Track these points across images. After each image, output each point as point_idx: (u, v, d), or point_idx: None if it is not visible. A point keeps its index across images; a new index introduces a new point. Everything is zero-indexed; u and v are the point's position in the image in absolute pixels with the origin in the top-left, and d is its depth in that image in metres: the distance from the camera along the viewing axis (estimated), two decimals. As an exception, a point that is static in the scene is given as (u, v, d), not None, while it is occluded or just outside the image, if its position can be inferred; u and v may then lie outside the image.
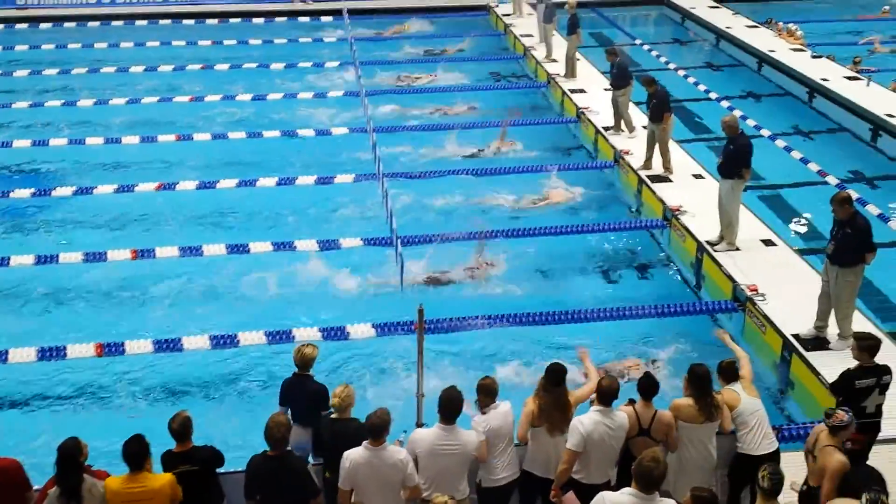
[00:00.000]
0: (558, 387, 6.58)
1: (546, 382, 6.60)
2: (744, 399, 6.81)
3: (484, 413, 6.48)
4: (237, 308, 10.77)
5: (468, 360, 9.65)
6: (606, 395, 6.37)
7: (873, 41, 20.97)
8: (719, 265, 10.95)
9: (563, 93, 17.29)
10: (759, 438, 6.75)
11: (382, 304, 10.68)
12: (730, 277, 10.67)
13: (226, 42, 21.24)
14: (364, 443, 5.96)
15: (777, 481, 5.61)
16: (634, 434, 6.51)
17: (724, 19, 22.55)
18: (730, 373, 6.99)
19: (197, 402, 9.05)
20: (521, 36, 20.96)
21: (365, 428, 5.99)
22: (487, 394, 6.50)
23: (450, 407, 6.24)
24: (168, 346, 9.77)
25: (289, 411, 6.79)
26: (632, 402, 6.71)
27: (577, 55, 18.14)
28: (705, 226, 11.66)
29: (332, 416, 6.44)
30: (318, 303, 10.86)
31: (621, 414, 6.45)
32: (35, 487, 5.99)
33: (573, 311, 10.28)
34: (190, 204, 13.32)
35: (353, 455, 5.96)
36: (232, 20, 23.12)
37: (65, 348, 9.66)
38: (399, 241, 9.51)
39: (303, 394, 6.85)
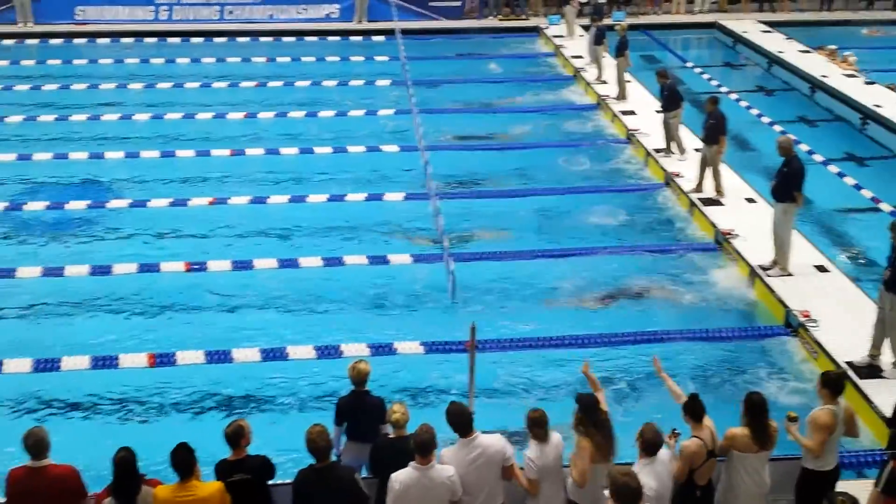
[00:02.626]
0: (598, 415, 6.50)
1: (585, 417, 6.45)
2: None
3: (539, 446, 6.37)
4: (287, 322, 10.86)
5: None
6: (653, 445, 6.19)
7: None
8: (771, 290, 10.81)
9: (614, 114, 17.27)
10: (831, 455, 6.65)
11: (431, 321, 10.71)
12: (782, 303, 10.52)
13: (279, 59, 21.57)
14: (411, 463, 5.90)
15: None
16: (702, 461, 6.36)
17: (776, 44, 22.34)
18: (837, 386, 6.76)
19: (244, 414, 9.11)
20: (572, 57, 20.98)
21: (412, 445, 5.95)
22: (542, 425, 6.39)
23: (462, 419, 6.18)
24: (218, 357, 9.90)
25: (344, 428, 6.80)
26: (675, 432, 6.62)
27: (628, 77, 18.12)
28: (757, 250, 11.53)
29: (390, 435, 6.41)
30: (367, 319, 10.93)
31: (664, 456, 6.28)
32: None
33: (618, 335, 10.25)
34: (242, 218, 13.49)
35: (402, 477, 5.88)
36: (285, 38, 23.44)
37: (117, 357, 9.82)
38: (451, 258, 9.55)
39: (362, 410, 6.82)
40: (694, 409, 6.52)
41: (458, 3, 25.20)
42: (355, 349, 9.92)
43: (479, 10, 25.35)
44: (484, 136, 17.00)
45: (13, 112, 17.53)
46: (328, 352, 9.98)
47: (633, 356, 10.03)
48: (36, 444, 5.80)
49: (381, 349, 9.98)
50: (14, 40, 22.75)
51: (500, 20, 25.18)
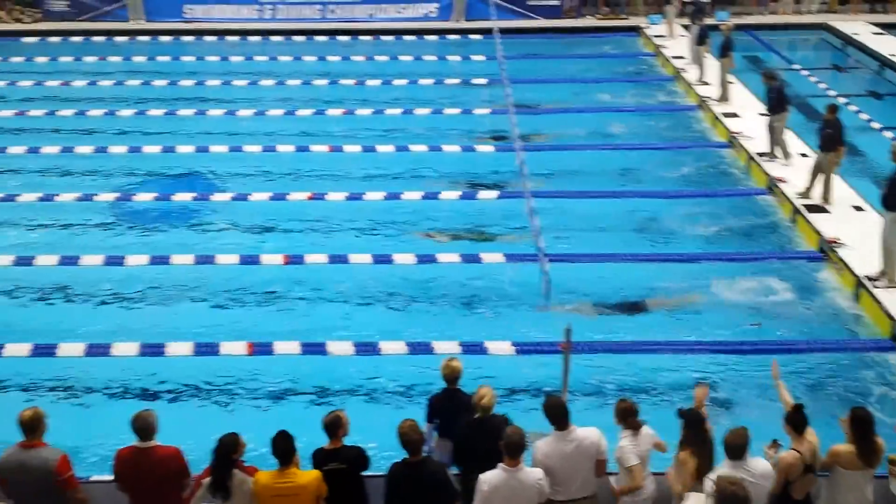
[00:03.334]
0: (700, 428, 6.39)
1: (690, 433, 6.35)
2: None
3: (634, 436, 6.35)
4: (381, 316, 11.02)
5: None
6: (738, 449, 5.97)
7: None
8: (878, 302, 10.40)
9: (716, 116, 16.88)
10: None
11: (523, 321, 10.70)
12: (889, 315, 10.11)
13: (378, 58, 21.86)
14: (500, 464, 5.90)
15: None
16: (798, 475, 6.18)
17: (888, 46, 21.43)
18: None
19: (337, 405, 9.26)
20: (673, 58, 20.60)
21: (501, 447, 5.93)
22: (634, 414, 6.37)
23: (559, 411, 6.17)
24: (314, 349, 10.11)
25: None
26: (776, 443, 6.44)
27: (731, 78, 17.68)
28: (864, 260, 11.10)
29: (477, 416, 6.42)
30: (458, 316, 10.99)
31: (762, 463, 6.09)
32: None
33: (715, 343, 10.08)
34: (338, 213, 13.74)
35: (491, 478, 5.88)
36: (384, 37, 23.73)
37: (218, 345, 10.14)
38: (546, 258, 9.53)
39: (455, 407, 6.84)
40: (795, 421, 6.33)
41: (557, 3, 25.03)
42: (446, 347, 9.98)
43: (577, 9, 25.13)
44: (581, 135, 16.84)
45: (124, 106, 18.26)
46: (419, 348, 10.08)
47: (731, 365, 9.81)
48: (143, 426, 6.03)
49: (472, 348, 10.01)
50: (126, 37, 23.67)
51: (599, 19, 24.91)
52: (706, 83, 18.49)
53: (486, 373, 9.04)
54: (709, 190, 14.30)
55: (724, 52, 17.29)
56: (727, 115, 16.80)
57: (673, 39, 22.17)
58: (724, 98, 17.48)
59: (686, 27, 21.63)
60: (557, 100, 18.73)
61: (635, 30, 23.98)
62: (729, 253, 12.32)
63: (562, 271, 10.91)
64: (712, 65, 18.43)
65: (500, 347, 10.08)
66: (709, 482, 5.71)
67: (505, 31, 21.84)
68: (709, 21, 20.70)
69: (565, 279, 11.01)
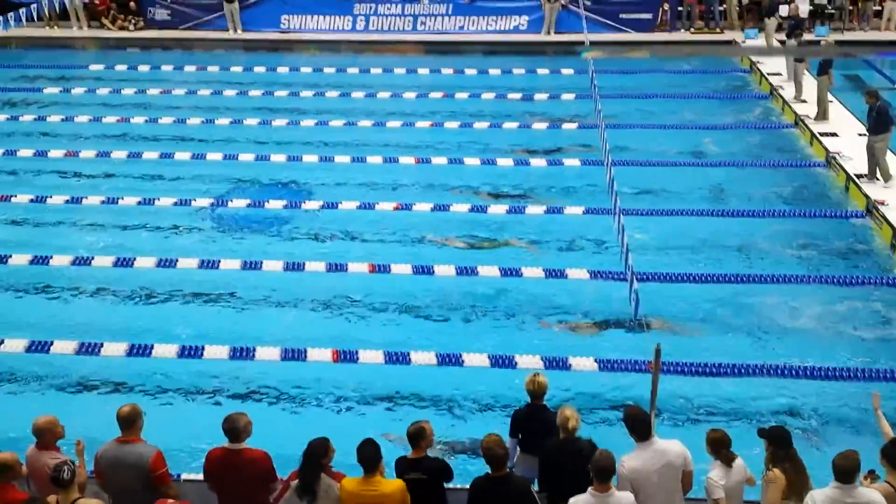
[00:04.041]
0: (791, 448, 6.21)
1: (776, 448, 6.22)
2: None
3: (725, 468, 6.20)
4: (463, 329, 11.07)
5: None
6: (848, 472, 5.77)
7: None
8: None
9: (813, 135, 16.42)
10: None
11: (608, 338, 10.60)
12: None
13: (467, 71, 21.99)
14: (590, 489, 5.83)
15: None
16: None
17: None
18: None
19: (419, 415, 9.32)
20: (769, 74, 20.12)
21: (591, 470, 5.88)
22: (727, 445, 6.22)
23: (642, 422, 6.10)
24: (397, 358, 10.21)
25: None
26: (873, 474, 6.21)
27: (830, 97, 17.18)
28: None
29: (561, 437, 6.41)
30: (541, 331, 10.96)
31: (872, 493, 5.82)
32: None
33: (806, 368, 9.80)
34: (423, 225, 13.86)
35: (581, 502, 5.86)
36: (473, 50, 23.84)
37: (305, 351, 10.33)
38: (634, 276, 9.42)
39: (540, 423, 6.84)
40: (892, 455, 6.10)
41: (650, 16, 24.77)
42: (529, 361, 9.97)
43: (671, 22, 24.82)
44: (672, 151, 16.61)
45: (221, 115, 18.81)
46: (502, 361, 10.08)
47: (824, 391, 9.51)
48: (233, 428, 6.20)
49: (555, 363, 9.96)
50: (224, 47, 24.40)
51: (693, 33, 24.53)
52: (803, 101, 18.01)
53: (565, 387, 9.01)
54: (804, 210, 13.91)
55: (822, 69, 16.82)
56: (825, 134, 16.33)
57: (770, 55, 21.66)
58: (822, 117, 16.99)
59: (782, 42, 21.10)
60: (648, 115, 18.52)
61: (730, 44, 23.52)
62: (824, 275, 11.95)
63: (649, 289, 10.80)
64: (810, 82, 17.94)
65: (584, 364, 9.99)
66: (810, 501, 5.57)
67: (596, 45, 21.72)
68: (807, 37, 20.18)
69: (652, 297, 10.88)
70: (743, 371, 9.81)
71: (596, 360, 10.01)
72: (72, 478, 5.69)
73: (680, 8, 24.89)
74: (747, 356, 10.14)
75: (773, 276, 11.83)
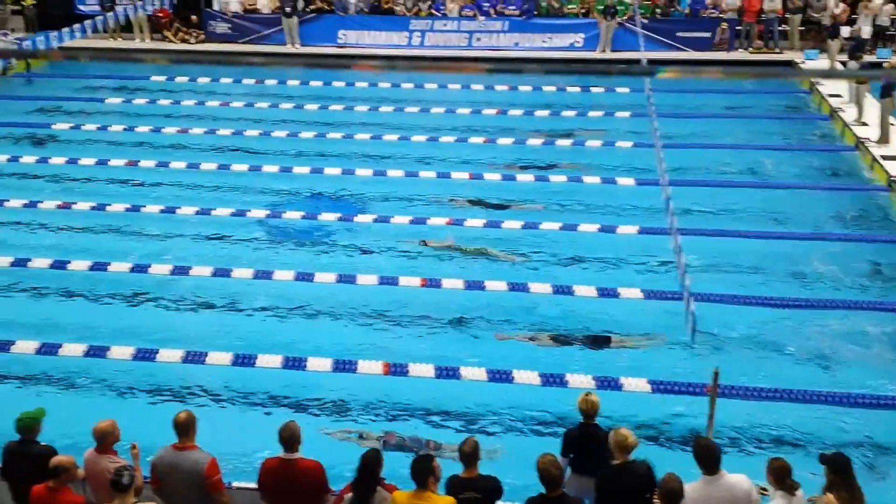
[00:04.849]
0: (851, 476, 6.06)
1: (836, 476, 6.07)
2: None
3: (788, 497, 6.07)
4: (514, 345, 11.01)
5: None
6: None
7: None
8: None
9: (874, 158, 16.08)
10: None
11: (660, 359, 10.47)
12: None
13: (521, 88, 22.00)
14: None
15: None
16: None
17: None
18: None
19: (467, 431, 9.30)
20: (829, 96, 19.78)
21: (658, 497, 5.79)
22: (789, 474, 6.09)
23: (711, 455, 5.98)
24: (447, 373, 10.19)
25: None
26: None
27: (892, 119, 16.84)
28: None
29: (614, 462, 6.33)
30: (593, 350, 10.86)
31: None
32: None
33: (865, 397, 9.55)
34: (475, 239, 13.85)
35: None
36: (528, 66, 23.84)
37: (355, 363, 10.36)
38: (691, 297, 9.28)
39: (593, 442, 6.76)
40: None
41: (708, 35, 24.56)
42: (580, 380, 9.86)
43: (729, 42, 24.56)
44: (729, 171, 16.41)
45: (278, 128, 19.08)
46: (553, 380, 9.99)
47: (883, 420, 9.27)
48: (290, 438, 6.24)
49: (607, 383, 9.84)
50: (282, 62, 24.75)
51: (752, 53, 24.25)
52: (865, 124, 17.67)
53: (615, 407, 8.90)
54: (865, 234, 13.61)
55: (885, 92, 16.50)
56: (887, 157, 15.98)
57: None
58: (884, 140, 16.65)
59: (844, 64, 20.75)
60: (705, 134, 18.33)
61: (790, 64, 23.20)
62: (885, 302, 11.66)
63: (705, 310, 10.65)
64: (872, 104, 17.59)
65: (637, 385, 9.87)
66: None
67: (653, 63, 21.57)
68: (868, 58, 19.82)
69: (708, 319, 10.73)
70: (800, 397, 9.59)
71: (649, 382, 9.87)
72: (131, 482, 5.78)
73: (738, 27, 24.63)
74: (804, 382, 9.91)
75: (832, 301, 11.59)
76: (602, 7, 24.81)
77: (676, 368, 10.15)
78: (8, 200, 15.05)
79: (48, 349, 10.60)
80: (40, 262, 12.80)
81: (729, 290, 11.80)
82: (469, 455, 6.19)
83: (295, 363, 10.34)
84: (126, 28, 26.43)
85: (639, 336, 11.09)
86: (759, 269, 12.71)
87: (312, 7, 26.32)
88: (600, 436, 6.76)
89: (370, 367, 10.29)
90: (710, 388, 6.61)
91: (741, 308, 11.46)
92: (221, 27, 26.47)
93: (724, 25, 24.44)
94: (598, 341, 11.04)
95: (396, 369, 10.22)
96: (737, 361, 10.29)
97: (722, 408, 7.39)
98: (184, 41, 26.33)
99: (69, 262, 12.82)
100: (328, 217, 14.57)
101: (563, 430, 7.25)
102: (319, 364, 10.33)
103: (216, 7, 26.85)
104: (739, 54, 24.24)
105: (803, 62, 22.71)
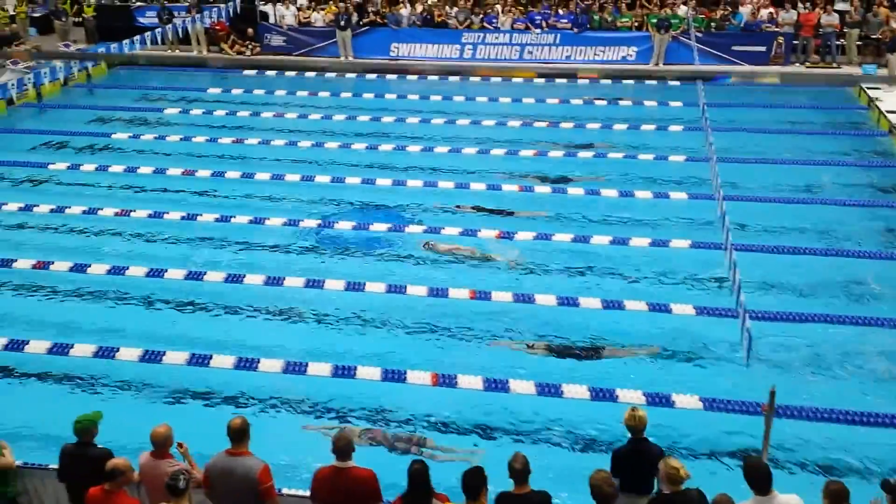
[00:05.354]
0: None
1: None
2: None
3: None
4: (562, 360, 10.95)
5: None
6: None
7: None
8: None
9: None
10: None
11: (711, 377, 10.34)
12: None
13: (572, 101, 21.93)
14: None
15: None
16: None
17: None
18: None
19: (515, 446, 9.27)
20: (889, 112, 19.37)
21: None
22: (847, 499, 5.97)
23: (762, 475, 5.89)
24: (496, 385, 10.18)
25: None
26: None
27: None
28: None
29: (665, 491, 6.25)
30: (644, 366, 10.76)
31: None
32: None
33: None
34: (527, 253, 13.80)
35: None
36: (580, 79, 23.77)
37: (405, 373, 10.42)
38: (746, 314, 9.15)
39: (643, 460, 6.69)
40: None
41: (763, 49, 24.24)
42: (630, 395, 9.80)
43: (785, 56, 24.21)
44: (784, 187, 16.16)
45: (331, 139, 19.28)
46: (603, 394, 9.92)
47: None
48: (343, 447, 6.28)
49: (658, 399, 9.75)
50: (335, 73, 25.05)
51: (808, 67, 23.87)
52: (925, 139, 17.30)
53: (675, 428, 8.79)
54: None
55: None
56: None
57: (891, 92, 20.85)
58: (944, 157, 16.27)
59: (903, 79, 20.36)
60: (759, 149, 18.07)
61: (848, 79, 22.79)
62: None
63: (763, 328, 10.50)
64: (934, 120, 17.22)
65: (688, 402, 9.75)
66: None
67: (708, 77, 21.40)
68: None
69: (765, 337, 10.58)
70: (858, 420, 9.38)
71: (701, 399, 9.75)
72: (187, 486, 5.87)
73: (795, 42, 24.28)
74: (860, 402, 9.70)
75: (890, 321, 11.32)
76: (655, 20, 24.66)
77: (728, 387, 9.99)
78: (70, 207, 15.43)
79: (104, 353, 10.84)
80: (98, 269, 13.12)
81: (781, 307, 11.61)
82: (520, 472, 6.15)
83: (343, 372, 10.42)
84: (184, 41, 26.96)
85: (635, 347, 10.98)
86: (812, 287, 12.47)
87: (366, 20, 26.60)
88: (651, 451, 6.68)
89: (419, 377, 10.32)
90: (765, 407, 6.49)
91: (794, 325, 11.26)
92: (276, 40, 26.88)
93: (781, 39, 24.11)
94: (591, 351, 10.95)
95: (445, 380, 10.24)
96: (792, 381, 10.12)
97: (778, 427, 7.27)
98: (240, 53, 26.76)
99: (127, 268, 13.10)
100: (379, 227, 14.65)
101: (612, 450, 7.19)
102: (368, 373, 10.40)
103: (272, 20, 27.28)
104: (795, 68, 23.87)
105: (861, 76, 22.29)
